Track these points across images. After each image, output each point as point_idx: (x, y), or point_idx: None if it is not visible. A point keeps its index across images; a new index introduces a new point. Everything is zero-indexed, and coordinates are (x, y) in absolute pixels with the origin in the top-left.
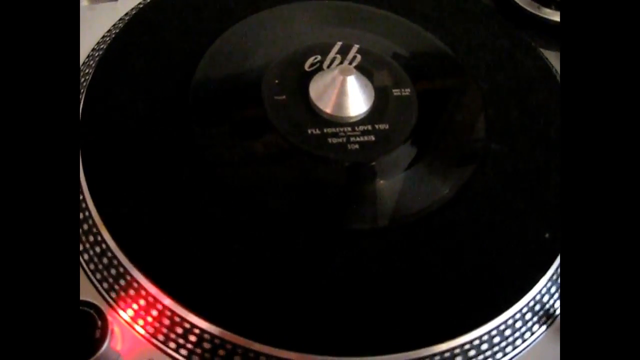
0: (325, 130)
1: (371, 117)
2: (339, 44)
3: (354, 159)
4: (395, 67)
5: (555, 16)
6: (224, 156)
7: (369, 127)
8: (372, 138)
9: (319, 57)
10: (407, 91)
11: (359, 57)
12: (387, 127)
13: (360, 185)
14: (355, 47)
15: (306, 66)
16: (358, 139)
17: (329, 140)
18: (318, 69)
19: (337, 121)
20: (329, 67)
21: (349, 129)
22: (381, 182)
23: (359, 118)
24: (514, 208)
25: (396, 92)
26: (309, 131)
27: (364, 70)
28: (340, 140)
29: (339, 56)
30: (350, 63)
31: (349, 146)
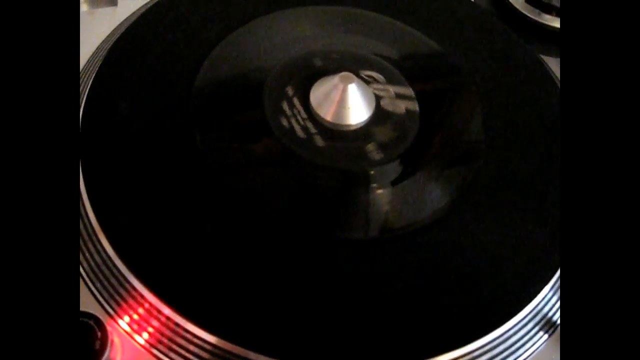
0: (320, 136)
1: (369, 127)
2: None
3: (344, 167)
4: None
5: (555, 22)
6: (223, 164)
7: (365, 137)
8: (368, 148)
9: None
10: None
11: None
12: (383, 138)
13: (357, 194)
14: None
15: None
16: (353, 147)
17: (321, 145)
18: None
19: (334, 128)
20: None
21: (345, 136)
22: (380, 191)
23: (357, 127)
24: (513, 216)
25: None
26: (304, 136)
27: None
28: (333, 147)
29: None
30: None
31: (341, 154)
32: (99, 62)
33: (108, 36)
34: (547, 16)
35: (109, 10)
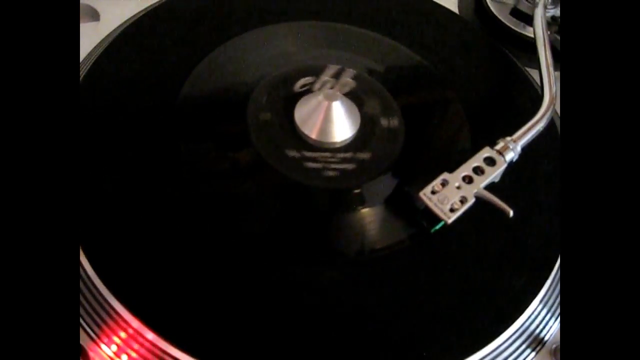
0: (304, 154)
1: (354, 144)
2: (336, 66)
3: (328, 185)
4: (387, 96)
5: None
6: (205, 182)
7: (350, 155)
8: (353, 166)
9: (309, 79)
10: (394, 122)
11: (352, 82)
12: (368, 156)
13: (341, 213)
14: (350, 71)
15: (296, 87)
16: (337, 165)
17: (306, 164)
18: (308, 90)
19: (319, 146)
20: (319, 89)
21: (329, 154)
22: (365, 210)
23: (342, 144)
24: (501, 230)
25: (384, 122)
26: (288, 153)
27: (355, 96)
28: (317, 165)
29: (331, 80)
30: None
31: (326, 172)
32: (82, 76)
33: (91, 51)
34: (531, 28)
35: (91, 25)
